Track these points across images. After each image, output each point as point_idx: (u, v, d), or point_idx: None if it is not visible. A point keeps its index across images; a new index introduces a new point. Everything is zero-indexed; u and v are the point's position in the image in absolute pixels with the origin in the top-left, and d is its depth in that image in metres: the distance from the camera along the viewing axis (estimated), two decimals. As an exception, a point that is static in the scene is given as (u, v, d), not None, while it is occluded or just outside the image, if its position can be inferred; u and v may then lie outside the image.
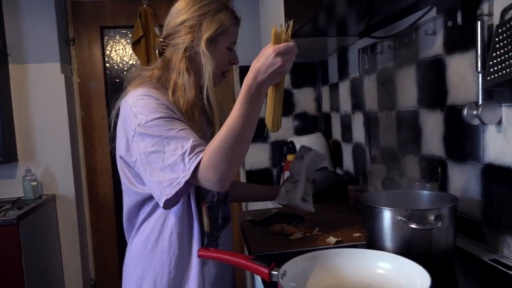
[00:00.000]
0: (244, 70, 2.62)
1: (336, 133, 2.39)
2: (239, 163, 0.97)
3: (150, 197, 1.07)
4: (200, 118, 1.11)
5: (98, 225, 2.76)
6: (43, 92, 2.50)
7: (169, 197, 0.94)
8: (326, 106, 2.58)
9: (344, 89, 2.20)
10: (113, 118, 1.12)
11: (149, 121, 0.97)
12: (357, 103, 2.03)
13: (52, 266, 2.45)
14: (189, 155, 0.93)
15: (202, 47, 1.06)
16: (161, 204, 0.96)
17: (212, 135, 1.03)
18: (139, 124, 0.97)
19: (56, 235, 2.56)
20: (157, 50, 1.16)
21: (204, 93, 1.08)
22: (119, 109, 1.09)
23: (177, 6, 1.11)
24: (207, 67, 1.07)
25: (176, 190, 0.93)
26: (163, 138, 0.95)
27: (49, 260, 2.41)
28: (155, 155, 0.95)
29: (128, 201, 1.13)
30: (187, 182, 0.93)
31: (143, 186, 1.05)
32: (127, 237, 1.20)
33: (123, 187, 1.13)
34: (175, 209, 1.06)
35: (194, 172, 0.92)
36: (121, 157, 1.07)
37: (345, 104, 2.20)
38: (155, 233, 1.09)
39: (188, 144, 0.94)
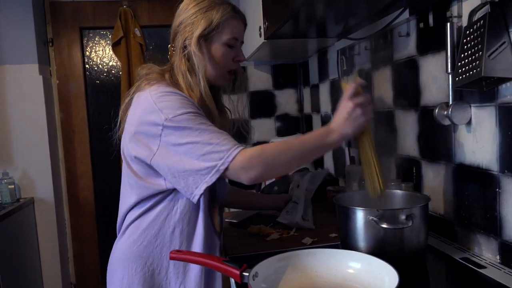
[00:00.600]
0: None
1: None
2: (280, 173, 1.02)
3: (157, 193, 1.04)
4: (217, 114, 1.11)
5: (79, 228, 2.72)
6: (21, 94, 2.45)
7: (209, 184, 0.92)
8: (307, 107, 2.59)
9: (325, 90, 2.22)
10: (123, 113, 1.09)
11: (178, 115, 0.95)
12: (337, 104, 2.03)
13: (30, 271, 2.40)
14: (229, 142, 0.93)
15: (192, 46, 1.05)
16: (197, 194, 0.95)
17: None
18: (167, 119, 0.95)
19: (35, 239, 2.51)
20: (169, 55, 1.14)
21: (202, 93, 1.06)
22: (128, 104, 1.07)
23: (179, 8, 1.11)
24: (199, 65, 1.05)
25: (217, 177, 0.92)
26: (195, 130, 0.94)
27: (27, 264, 2.36)
28: (190, 146, 0.93)
29: (129, 195, 1.08)
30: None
31: (153, 180, 1.03)
32: (119, 232, 1.15)
33: (128, 181, 1.08)
34: (180, 205, 1.05)
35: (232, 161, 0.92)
36: (129, 152, 1.04)
37: (326, 105, 2.22)
38: (155, 228, 1.05)
39: (224, 135, 0.95)
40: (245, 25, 1.14)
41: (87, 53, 2.70)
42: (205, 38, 1.06)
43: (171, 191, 1.03)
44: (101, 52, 2.71)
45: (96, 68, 2.71)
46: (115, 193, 2.82)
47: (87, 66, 2.70)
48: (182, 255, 0.98)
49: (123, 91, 2.60)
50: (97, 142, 2.73)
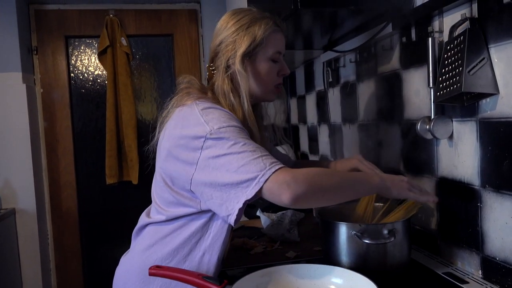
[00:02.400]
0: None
1: (304, 145, 2.40)
2: (326, 199, 0.91)
3: (192, 213, 0.99)
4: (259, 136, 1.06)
5: (61, 240, 2.67)
6: (4, 102, 2.41)
7: (249, 198, 0.84)
8: (294, 118, 2.59)
9: (311, 101, 2.22)
10: (160, 126, 1.05)
11: (224, 127, 0.91)
12: (323, 116, 2.05)
13: (11, 283, 2.34)
14: (271, 159, 0.86)
15: (237, 65, 1.00)
16: (235, 211, 0.86)
17: None
18: (211, 130, 0.90)
19: (16, 250, 2.45)
20: (207, 76, 1.10)
21: (246, 114, 1.01)
22: (166, 117, 1.03)
23: (217, 26, 1.07)
24: (242, 85, 1.00)
25: (257, 189, 0.83)
26: (238, 142, 0.88)
27: (7, 276, 2.30)
28: (230, 157, 0.87)
29: (160, 212, 1.03)
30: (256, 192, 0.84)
31: (190, 200, 0.97)
32: (135, 243, 1.09)
33: (161, 195, 1.03)
34: (214, 230, 0.99)
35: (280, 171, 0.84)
36: (167, 169, 0.99)
37: (312, 116, 2.22)
38: (185, 250, 1.00)
39: (266, 151, 0.89)
40: (285, 36, 1.10)
41: (72, 61, 2.67)
42: (249, 56, 1.02)
43: (207, 213, 0.98)
44: (86, 61, 2.69)
45: (81, 77, 2.68)
46: (99, 204, 2.81)
47: (72, 74, 2.67)
48: (161, 271, 0.96)
49: (108, 100, 2.58)
50: (81, 152, 2.69)
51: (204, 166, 0.90)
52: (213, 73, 1.07)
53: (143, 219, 1.10)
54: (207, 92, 1.05)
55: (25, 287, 2.48)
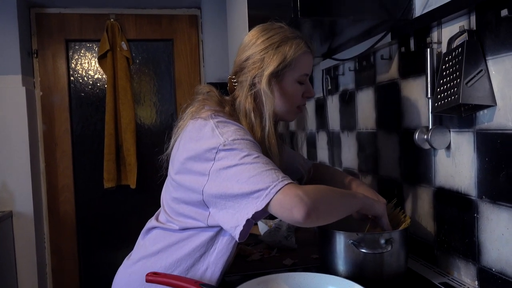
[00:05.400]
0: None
1: (303, 152, 2.40)
2: (335, 216, 0.91)
3: (200, 226, 0.97)
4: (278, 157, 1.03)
5: (58, 243, 2.66)
6: (3, 105, 2.41)
7: (258, 210, 0.81)
8: (293, 125, 2.59)
9: (310, 108, 2.23)
10: (175, 136, 1.03)
11: (238, 139, 0.89)
12: (321, 123, 2.05)
13: (6, 286, 2.33)
14: (282, 173, 0.84)
15: (263, 84, 0.98)
16: (242, 223, 0.83)
17: None
18: (225, 142, 0.88)
19: (12, 253, 2.44)
20: (228, 87, 1.08)
21: (266, 135, 0.99)
22: (181, 127, 1.02)
23: (245, 40, 1.05)
24: (267, 105, 0.98)
25: (267, 201, 0.80)
26: (251, 154, 0.86)
27: (3, 280, 2.29)
28: (241, 167, 0.84)
29: (169, 220, 1.02)
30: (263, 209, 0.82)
31: (200, 213, 0.95)
32: (140, 248, 1.08)
33: (171, 203, 1.02)
34: (220, 245, 0.98)
35: (289, 186, 0.81)
36: (179, 180, 0.98)
37: (311, 123, 2.22)
38: (188, 262, 0.99)
39: (277, 167, 0.87)
40: (314, 56, 1.08)
41: (72, 65, 2.67)
42: (276, 76, 1.00)
43: (214, 228, 0.97)
44: (86, 65, 2.69)
45: (81, 81, 2.69)
46: (97, 208, 2.80)
47: (72, 78, 2.67)
48: (159, 278, 0.96)
49: (108, 104, 2.58)
50: (79, 155, 2.69)
51: (216, 177, 0.88)
52: (235, 86, 1.06)
53: (152, 221, 1.09)
54: (226, 106, 1.02)
55: (21, 291, 2.47)
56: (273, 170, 0.84)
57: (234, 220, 0.86)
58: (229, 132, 0.91)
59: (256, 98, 1.01)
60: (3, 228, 2.35)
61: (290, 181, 0.83)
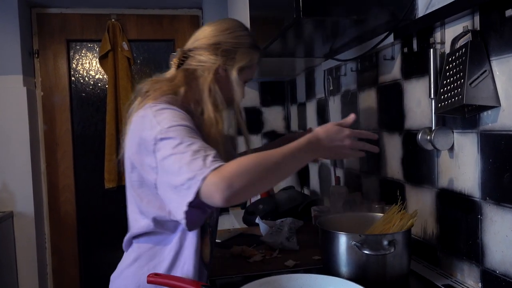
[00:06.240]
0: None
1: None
2: (256, 192, 0.91)
3: (164, 220, 0.99)
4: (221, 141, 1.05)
5: (59, 243, 2.65)
6: (4, 105, 2.41)
7: (190, 199, 0.82)
8: (294, 125, 2.59)
9: (311, 109, 2.22)
10: (125, 135, 1.03)
11: (173, 126, 0.90)
12: (323, 123, 2.04)
13: (7, 287, 2.32)
14: (212, 157, 0.84)
15: (234, 74, 1.05)
16: (183, 219, 0.85)
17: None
18: (161, 130, 0.89)
19: (13, 253, 2.44)
20: (174, 60, 1.09)
21: (237, 118, 1.09)
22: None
23: (214, 26, 1.09)
24: (237, 94, 1.06)
25: (195, 189, 0.81)
26: (184, 141, 0.87)
27: (3, 280, 2.29)
28: (174, 157, 0.85)
29: (138, 220, 1.03)
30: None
31: (159, 207, 0.97)
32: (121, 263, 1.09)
33: (135, 204, 1.03)
34: (176, 237, 1.00)
35: (212, 174, 0.81)
36: (134, 178, 1.00)
37: (312, 123, 2.22)
38: (168, 261, 1.00)
39: (212, 151, 0.87)
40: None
41: (74, 65, 2.67)
42: (240, 71, 1.07)
43: (174, 227, 0.99)
44: (87, 65, 2.69)
45: (82, 81, 2.69)
46: (97, 208, 2.79)
47: (73, 78, 2.67)
48: (160, 279, 0.95)
49: (109, 104, 2.58)
50: (80, 156, 2.68)
51: (160, 169, 0.89)
52: (184, 60, 1.08)
53: (127, 235, 1.09)
54: (180, 88, 1.04)
55: (21, 291, 2.46)
56: (202, 157, 0.84)
57: (179, 212, 0.85)
58: (165, 120, 0.92)
59: (219, 82, 1.05)
60: (4, 228, 2.34)
61: (215, 165, 0.82)
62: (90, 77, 2.69)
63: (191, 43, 1.10)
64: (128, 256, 1.06)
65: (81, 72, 2.68)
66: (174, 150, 0.86)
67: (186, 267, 1.00)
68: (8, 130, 2.42)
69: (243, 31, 1.10)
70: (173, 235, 1.01)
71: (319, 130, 0.96)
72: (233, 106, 1.13)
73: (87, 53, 2.69)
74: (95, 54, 2.68)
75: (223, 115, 1.05)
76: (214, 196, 0.81)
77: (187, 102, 1.04)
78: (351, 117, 1.00)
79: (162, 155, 0.88)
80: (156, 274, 0.95)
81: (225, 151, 1.04)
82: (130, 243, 1.07)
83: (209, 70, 1.05)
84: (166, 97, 1.01)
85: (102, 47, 2.58)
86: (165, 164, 0.87)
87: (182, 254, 1.00)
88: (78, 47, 2.67)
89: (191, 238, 1.00)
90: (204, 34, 1.08)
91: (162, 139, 0.89)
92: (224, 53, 1.05)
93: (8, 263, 2.38)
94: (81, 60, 2.68)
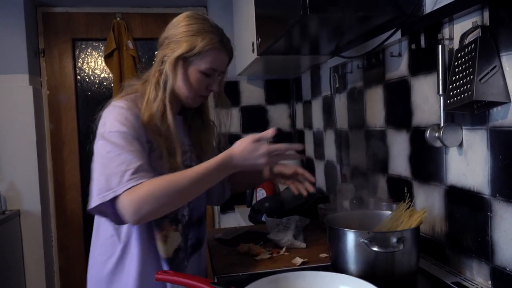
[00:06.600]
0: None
1: (309, 150, 2.40)
2: (166, 213, 1.00)
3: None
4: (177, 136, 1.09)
5: (66, 241, 2.67)
6: (10, 104, 2.42)
7: (94, 205, 0.95)
8: (300, 123, 2.58)
9: (317, 106, 2.22)
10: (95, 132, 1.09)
11: (113, 131, 0.98)
12: (329, 121, 2.04)
13: (14, 285, 2.34)
14: (130, 174, 0.93)
15: (167, 64, 1.07)
16: (89, 207, 0.97)
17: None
18: (104, 132, 1.00)
19: (20, 252, 2.45)
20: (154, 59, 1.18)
21: (166, 108, 1.07)
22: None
23: (172, 21, 1.12)
24: (167, 84, 1.07)
25: (100, 202, 0.93)
26: (116, 149, 0.96)
27: (11, 278, 2.30)
28: (101, 162, 0.97)
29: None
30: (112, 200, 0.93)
31: None
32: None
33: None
34: (136, 235, 1.06)
35: (125, 194, 0.93)
36: None
37: (318, 121, 2.21)
38: (117, 254, 1.07)
39: (135, 164, 0.95)
40: (230, 57, 1.15)
41: (79, 64, 2.68)
42: (184, 60, 1.07)
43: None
44: (93, 64, 2.70)
45: (87, 80, 2.69)
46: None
47: (78, 77, 2.68)
48: (168, 276, 0.96)
49: (114, 103, 2.58)
50: (86, 154, 2.69)
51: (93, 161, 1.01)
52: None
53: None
54: (141, 84, 1.12)
55: (28, 288, 2.48)
56: (121, 173, 0.93)
57: (90, 203, 0.97)
58: (109, 122, 1.00)
59: (162, 75, 1.09)
60: (11, 226, 2.36)
61: (129, 186, 0.92)
62: (96, 75, 2.70)
63: (158, 43, 1.15)
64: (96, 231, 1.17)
65: (86, 71, 2.69)
66: (104, 155, 0.97)
67: (133, 262, 1.05)
68: (14, 129, 2.43)
69: (191, 20, 1.08)
70: (121, 227, 1.08)
71: (235, 149, 1.00)
72: (197, 103, 1.15)
73: (92, 52, 2.69)
74: (101, 53, 2.68)
75: (167, 110, 1.06)
76: (124, 215, 0.93)
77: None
78: (271, 131, 1.02)
79: (95, 153, 1.00)
80: (165, 272, 0.96)
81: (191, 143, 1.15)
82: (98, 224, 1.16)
83: (155, 64, 1.10)
84: (131, 96, 1.09)
85: (107, 46, 2.59)
86: (94, 164, 0.99)
87: (130, 248, 1.06)
88: (83, 46, 2.68)
89: (139, 232, 1.06)
90: (162, 33, 1.12)
91: (100, 139, 1.00)
92: (168, 45, 1.08)
93: (16, 261, 2.40)
94: (86, 59, 2.69)
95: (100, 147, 0.99)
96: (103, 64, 2.67)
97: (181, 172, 0.98)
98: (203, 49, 1.06)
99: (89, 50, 2.69)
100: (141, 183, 0.93)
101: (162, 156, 1.04)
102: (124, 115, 1.01)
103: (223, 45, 1.10)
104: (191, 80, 1.09)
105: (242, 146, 1.00)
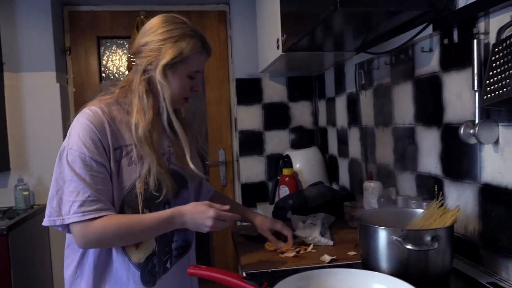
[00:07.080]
0: (239, 83, 2.61)
1: (333, 148, 2.38)
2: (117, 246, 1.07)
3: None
4: (160, 140, 1.11)
5: (90, 236, 2.71)
6: (38, 101, 2.47)
7: (44, 225, 1.03)
8: (322, 120, 2.57)
9: (341, 103, 2.20)
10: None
11: (73, 149, 0.99)
12: (354, 118, 2.02)
13: (41, 279, 2.40)
14: (77, 207, 0.97)
15: (157, 74, 1.06)
16: (43, 223, 1.03)
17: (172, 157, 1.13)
18: (65, 147, 1.01)
19: (47, 246, 2.51)
20: (127, 66, 1.18)
21: (165, 118, 1.09)
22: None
23: (146, 26, 1.10)
24: (164, 93, 1.07)
25: (49, 225, 1.01)
26: (70, 174, 0.98)
27: (38, 272, 2.36)
28: (58, 180, 1.01)
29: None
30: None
31: None
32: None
33: None
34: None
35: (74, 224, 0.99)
36: None
37: (342, 118, 2.19)
38: (75, 262, 1.11)
39: (84, 196, 0.98)
40: (209, 56, 1.16)
41: (104, 61, 2.72)
42: (169, 67, 1.07)
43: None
44: (117, 61, 2.73)
45: (112, 77, 2.73)
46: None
47: (103, 74, 2.72)
48: (200, 271, 0.96)
49: (138, 100, 2.61)
50: (111, 151, 2.73)
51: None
52: (133, 65, 1.12)
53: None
54: (117, 89, 1.11)
55: (55, 282, 2.53)
56: (70, 203, 0.97)
57: (44, 219, 1.04)
58: (73, 136, 1.01)
59: (150, 84, 1.09)
60: (39, 221, 2.40)
61: (75, 220, 0.97)
62: (120, 73, 2.74)
63: (133, 48, 1.13)
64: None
65: (111, 68, 2.73)
66: (60, 175, 1.00)
67: (90, 269, 1.09)
68: (42, 126, 2.48)
69: (170, 25, 1.07)
70: None
71: (187, 207, 1.06)
72: (182, 104, 1.16)
73: (117, 49, 2.73)
74: (125, 51, 2.72)
75: (148, 119, 1.06)
76: (74, 239, 1.01)
77: (122, 107, 1.09)
78: (227, 207, 1.08)
79: (56, 163, 1.02)
80: (197, 266, 0.97)
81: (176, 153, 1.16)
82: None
83: (138, 73, 1.08)
84: (107, 100, 1.08)
85: (132, 43, 2.61)
86: (53, 175, 1.03)
87: (88, 255, 1.09)
88: (108, 44, 2.72)
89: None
90: (138, 36, 1.11)
91: (62, 153, 1.01)
92: (150, 52, 1.06)
93: (43, 255, 2.45)
94: (111, 56, 2.73)
95: (59, 163, 1.01)
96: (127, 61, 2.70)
97: (134, 217, 1.03)
98: (188, 54, 1.07)
99: (113, 48, 2.73)
100: (90, 218, 0.97)
101: (136, 162, 1.06)
102: (87, 132, 1.00)
103: (205, 47, 1.12)
104: (177, 85, 1.09)
105: (195, 206, 1.06)
